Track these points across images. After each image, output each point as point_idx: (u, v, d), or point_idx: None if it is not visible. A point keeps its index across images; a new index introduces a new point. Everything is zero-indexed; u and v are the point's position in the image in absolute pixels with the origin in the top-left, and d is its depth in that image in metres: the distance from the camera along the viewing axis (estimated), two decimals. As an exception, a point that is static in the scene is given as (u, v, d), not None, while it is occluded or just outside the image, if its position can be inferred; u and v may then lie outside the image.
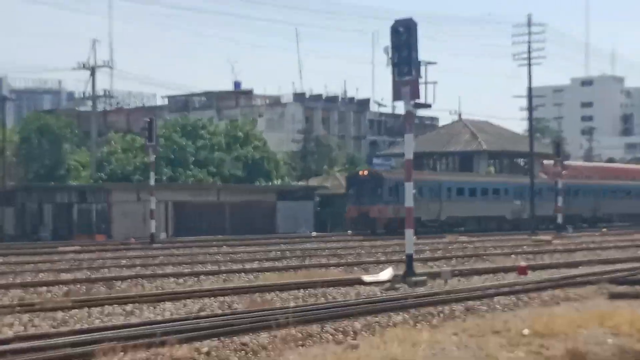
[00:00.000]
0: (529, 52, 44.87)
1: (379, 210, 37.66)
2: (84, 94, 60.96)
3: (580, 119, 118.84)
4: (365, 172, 43.10)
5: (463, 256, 24.37)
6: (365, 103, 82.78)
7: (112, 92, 65.37)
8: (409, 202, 16.05)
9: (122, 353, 6.79)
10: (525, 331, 8.55)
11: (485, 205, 44.24)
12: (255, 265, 20.74)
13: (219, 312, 10.67)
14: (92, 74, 53.11)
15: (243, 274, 17.89)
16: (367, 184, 39.76)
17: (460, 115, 62.44)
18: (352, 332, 8.70)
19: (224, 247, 29.44)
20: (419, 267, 17.37)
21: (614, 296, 12.71)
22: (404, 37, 14.80)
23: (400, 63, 14.83)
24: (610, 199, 53.70)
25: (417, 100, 15.54)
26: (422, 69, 15.21)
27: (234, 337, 7.99)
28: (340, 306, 10.81)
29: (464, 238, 35.52)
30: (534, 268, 18.77)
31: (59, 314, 10.35)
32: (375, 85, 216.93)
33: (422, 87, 15.23)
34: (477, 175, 54.28)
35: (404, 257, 16.78)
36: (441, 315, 10.58)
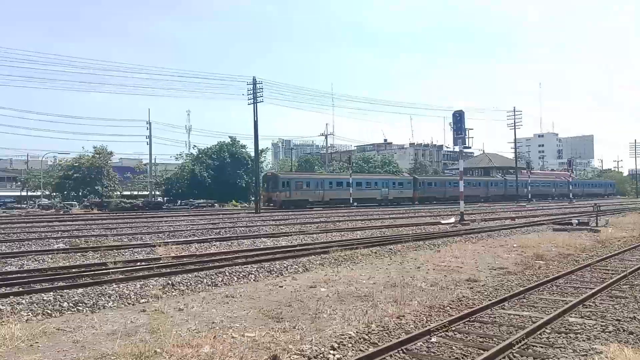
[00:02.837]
0: None
1: (277, 195, 55.95)
2: None
3: None
4: (269, 174, 63.29)
5: (487, 212, 40.34)
6: None
7: None
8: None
9: None
10: (514, 245, 19.24)
11: (361, 191, 63.03)
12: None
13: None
14: None
15: None
16: (272, 180, 58.35)
17: None
18: (437, 245, 19.51)
19: None
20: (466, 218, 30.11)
21: (556, 230, 24.77)
22: None
23: None
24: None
25: None
26: None
27: (385, 246, 18.82)
28: (432, 233, 22.35)
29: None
30: (519, 217, 34.31)
31: None
32: None
33: None
34: (364, 174, 77.59)
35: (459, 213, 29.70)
36: (476, 237, 21.64)
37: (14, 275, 12.38)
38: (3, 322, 8.09)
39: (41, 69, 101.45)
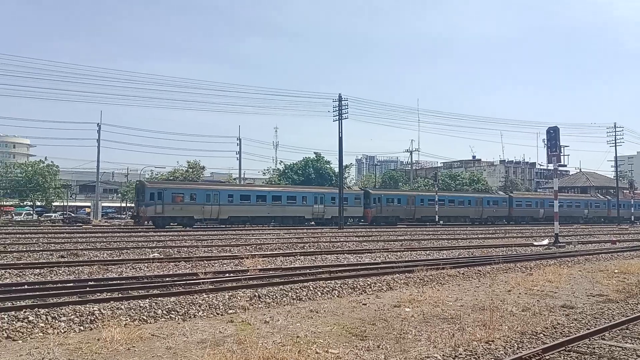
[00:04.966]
0: None
1: (143, 210, 45.09)
2: None
3: None
4: (138, 182, 51.32)
5: (582, 234, 40.11)
6: None
7: None
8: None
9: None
10: (616, 270, 17.91)
11: (281, 207, 51.46)
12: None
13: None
14: None
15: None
16: (140, 191, 47.14)
17: None
18: (529, 267, 18.59)
19: None
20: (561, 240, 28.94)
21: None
22: None
23: None
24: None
25: None
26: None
27: (474, 267, 18.00)
28: (523, 255, 21.33)
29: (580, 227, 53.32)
30: (620, 240, 32.26)
31: None
32: None
33: None
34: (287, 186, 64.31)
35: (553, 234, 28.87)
36: (572, 261, 20.34)
37: (114, 282, 13.18)
38: (104, 325, 8.63)
39: (140, 88, 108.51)
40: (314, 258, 20.36)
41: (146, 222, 45.20)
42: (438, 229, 47.49)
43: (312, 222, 53.73)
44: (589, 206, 75.24)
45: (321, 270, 16.12)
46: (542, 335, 8.64)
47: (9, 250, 22.02)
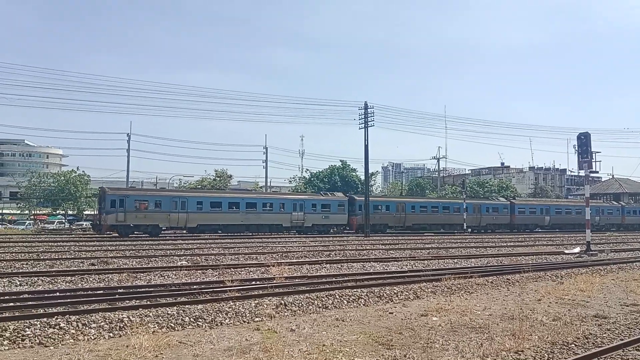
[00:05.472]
0: None
1: (103, 218, 42.34)
2: None
3: None
4: (100, 189, 47.82)
5: (615, 242, 39.71)
6: None
7: None
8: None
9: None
10: (651, 279, 17.41)
11: (256, 215, 48.42)
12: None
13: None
14: None
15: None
16: (101, 198, 44.51)
17: None
18: (560, 276, 18.21)
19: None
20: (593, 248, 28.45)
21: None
22: None
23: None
24: None
25: None
26: None
27: (502, 276, 17.72)
28: (554, 263, 20.92)
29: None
30: None
31: None
32: None
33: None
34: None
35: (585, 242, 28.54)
36: (605, 270, 19.85)
37: (142, 290, 13.36)
38: (133, 332, 8.75)
39: (169, 99, 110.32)
40: (339, 266, 20.32)
41: (108, 232, 43.16)
42: (466, 237, 46.88)
43: (294, 231, 51.55)
44: (600, 213, 70.23)
45: (347, 278, 16.08)
46: (573, 345, 8.45)
47: (42, 257, 22.54)
